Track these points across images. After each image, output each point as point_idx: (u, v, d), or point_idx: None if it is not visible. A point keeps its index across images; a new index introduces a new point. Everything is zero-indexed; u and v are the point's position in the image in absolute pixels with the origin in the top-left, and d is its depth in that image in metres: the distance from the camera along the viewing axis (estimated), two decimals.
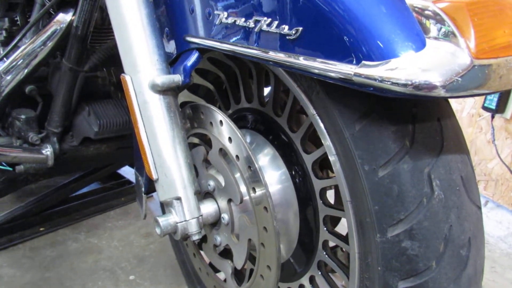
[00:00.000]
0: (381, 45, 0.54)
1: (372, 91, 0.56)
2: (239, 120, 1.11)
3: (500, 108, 2.08)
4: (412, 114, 0.64)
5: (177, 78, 0.87)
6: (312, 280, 1.00)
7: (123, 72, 0.88)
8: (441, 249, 0.63)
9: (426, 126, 0.65)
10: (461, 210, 0.65)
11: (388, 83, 0.53)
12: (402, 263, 0.64)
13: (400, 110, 0.64)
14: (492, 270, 1.85)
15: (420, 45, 0.53)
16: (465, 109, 2.33)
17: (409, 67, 0.53)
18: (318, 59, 0.61)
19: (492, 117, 2.14)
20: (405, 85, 0.52)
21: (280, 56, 0.66)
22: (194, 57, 0.88)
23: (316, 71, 0.60)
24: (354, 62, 0.57)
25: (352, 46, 0.56)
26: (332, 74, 0.59)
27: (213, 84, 1.20)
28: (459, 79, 0.50)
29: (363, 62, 0.56)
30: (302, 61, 0.62)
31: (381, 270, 0.67)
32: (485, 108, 2.16)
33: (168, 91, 0.87)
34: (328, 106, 0.68)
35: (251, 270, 1.16)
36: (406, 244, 0.63)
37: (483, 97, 2.17)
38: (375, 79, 0.54)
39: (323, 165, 1.01)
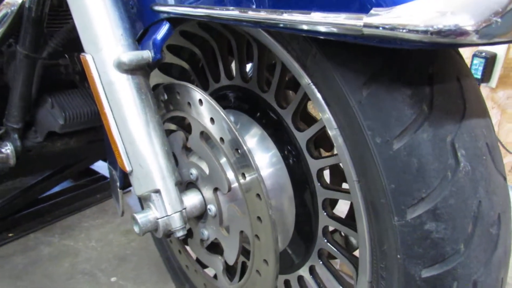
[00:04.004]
0: None
1: (384, 44, 0.46)
2: (219, 100, 0.99)
3: (486, 77, 2.03)
4: (429, 73, 0.54)
5: (146, 54, 0.76)
6: (312, 270, 0.91)
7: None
8: (470, 229, 0.55)
9: (446, 87, 0.55)
10: (489, 183, 0.56)
11: (404, 30, 0.43)
12: (426, 248, 0.55)
13: (415, 69, 0.54)
14: None
15: None
16: None
17: (429, 9, 0.42)
18: (313, 13, 0.50)
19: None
20: (425, 32, 0.42)
21: (263, 14, 0.55)
22: (164, 29, 0.77)
23: (320, 28, 0.49)
24: (361, 11, 0.46)
25: None
26: (333, 29, 0.48)
27: (188, 62, 1.09)
28: (498, 20, 0.40)
29: (373, 9, 0.45)
30: (293, 16, 0.52)
31: (401, 258, 0.57)
32: None
33: (137, 70, 0.77)
34: (328, 70, 0.57)
35: (243, 263, 1.06)
36: (430, 226, 0.54)
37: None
38: (389, 28, 0.44)
39: (316, 143, 0.92)
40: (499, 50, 1.97)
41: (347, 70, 0.56)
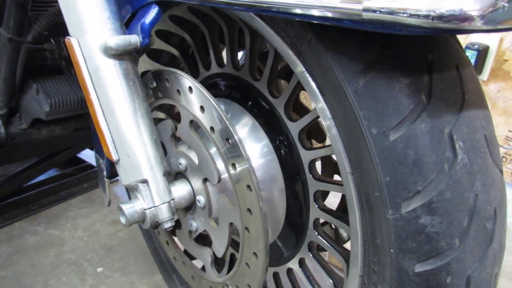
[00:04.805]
0: None
1: (383, 30, 0.44)
2: (210, 88, 0.97)
3: (477, 70, 2.02)
4: (427, 61, 0.52)
5: (134, 38, 0.73)
6: (302, 263, 0.89)
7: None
8: (465, 223, 0.53)
9: (445, 76, 0.53)
10: (487, 176, 0.55)
11: (404, 15, 0.41)
12: (420, 243, 0.54)
13: (413, 57, 0.53)
14: None
15: None
16: None
17: None
18: None
19: None
20: (426, 16, 0.40)
21: None
22: (153, 12, 0.74)
23: (316, 12, 0.47)
24: None
25: None
26: (330, 13, 0.46)
27: (178, 49, 1.05)
28: (505, 4, 0.38)
29: None
30: None
31: (394, 252, 0.56)
32: None
33: (124, 55, 0.74)
34: (324, 58, 0.55)
35: (232, 255, 1.05)
36: (425, 220, 0.53)
37: None
38: (389, 12, 0.41)
39: (307, 134, 0.90)
40: (492, 42, 1.97)
41: (343, 58, 0.53)
